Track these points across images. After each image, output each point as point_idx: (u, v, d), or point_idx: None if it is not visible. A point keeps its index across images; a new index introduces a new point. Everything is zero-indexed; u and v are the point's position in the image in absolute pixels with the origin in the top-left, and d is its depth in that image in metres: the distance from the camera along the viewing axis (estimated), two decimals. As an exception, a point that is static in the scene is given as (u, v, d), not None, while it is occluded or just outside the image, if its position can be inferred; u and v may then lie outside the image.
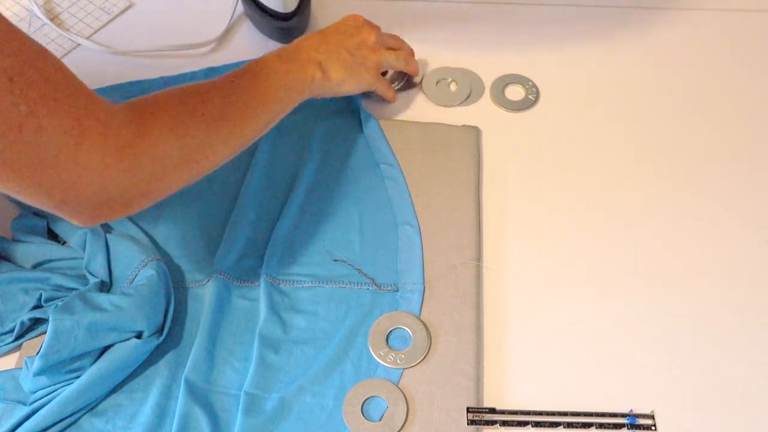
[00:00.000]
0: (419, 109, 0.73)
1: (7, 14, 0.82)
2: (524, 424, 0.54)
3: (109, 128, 0.44)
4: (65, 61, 0.77)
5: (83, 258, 0.58)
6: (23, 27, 0.80)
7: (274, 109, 0.58)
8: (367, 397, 0.55)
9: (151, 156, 0.47)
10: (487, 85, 0.75)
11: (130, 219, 0.63)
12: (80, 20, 0.81)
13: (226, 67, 0.76)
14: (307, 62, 0.61)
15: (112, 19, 0.80)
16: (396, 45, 0.71)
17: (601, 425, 0.54)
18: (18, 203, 0.66)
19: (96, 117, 0.43)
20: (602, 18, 0.81)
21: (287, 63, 0.60)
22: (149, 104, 0.49)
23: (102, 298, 0.54)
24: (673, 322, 0.59)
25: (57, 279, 0.57)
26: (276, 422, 0.54)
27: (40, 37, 0.79)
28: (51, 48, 0.78)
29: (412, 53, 0.72)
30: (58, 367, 0.53)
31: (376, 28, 0.68)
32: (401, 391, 0.55)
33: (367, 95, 0.72)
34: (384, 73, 0.72)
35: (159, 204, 0.65)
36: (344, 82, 0.64)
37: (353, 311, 0.59)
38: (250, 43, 0.79)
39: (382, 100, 0.72)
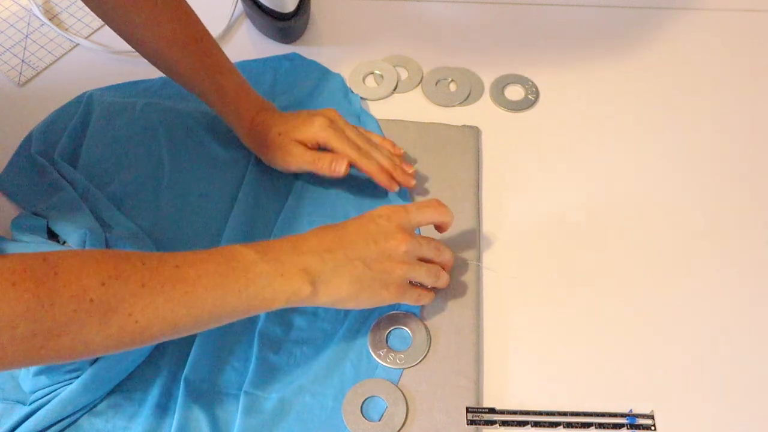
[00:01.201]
0: (419, 109, 0.73)
1: (6, 14, 0.82)
2: (524, 424, 0.54)
3: None
4: (64, 60, 0.78)
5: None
6: (22, 27, 0.80)
7: (213, 317, 0.46)
8: (366, 397, 0.55)
9: None
10: (487, 85, 0.75)
11: (130, 218, 0.63)
12: (79, 20, 0.81)
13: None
14: (297, 271, 0.48)
15: (111, 19, 0.80)
16: (431, 255, 0.55)
17: (600, 425, 0.54)
18: (18, 203, 0.66)
19: None
20: (602, 18, 0.81)
21: (269, 263, 0.47)
22: (30, 267, 0.40)
23: None
24: (672, 322, 0.59)
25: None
26: (276, 422, 0.54)
27: (38, 37, 0.79)
28: (50, 48, 0.78)
29: (449, 260, 0.57)
30: (58, 367, 0.53)
31: (411, 234, 0.53)
32: (401, 391, 0.55)
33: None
34: None
35: (158, 204, 0.65)
36: (347, 301, 0.51)
37: (353, 311, 0.59)
38: (250, 43, 0.79)
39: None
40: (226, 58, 0.64)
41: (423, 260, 0.54)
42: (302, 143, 0.63)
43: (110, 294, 0.41)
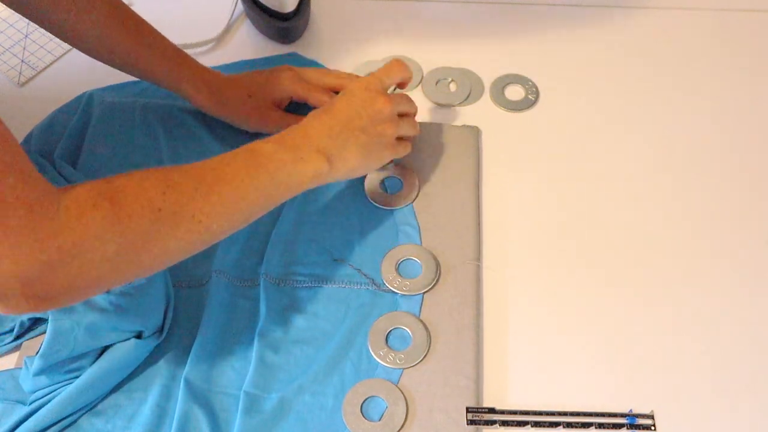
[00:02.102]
0: (419, 109, 0.73)
1: (5, 14, 0.82)
2: (524, 423, 0.54)
3: (34, 214, 0.39)
4: (64, 60, 0.78)
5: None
6: (22, 27, 0.80)
7: (258, 205, 0.51)
8: (366, 397, 0.55)
9: (78, 252, 0.40)
10: (487, 85, 0.75)
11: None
12: (79, 20, 0.81)
13: (226, 66, 0.76)
14: (313, 152, 0.53)
15: (111, 19, 0.80)
16: (407, 108, 0.62)
17: (600, 425, 0.54)
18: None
19: (22, 198, 0.39)
20: (602, 18, 0.81)
21: (289, 151, 0.53)
22: (99, 191, 0.43)
23: (101, 298, 0.54)
24: (673, 322, 0.59)
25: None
26: (276, 422, 0.54)
27: (38, 37, 0.79)
28: (50, 47, 0.78)
29: (416, 111, 0.64)
30: (58, 367, 0.53)
31: (389, 96, 0.59)
32: (401, 391, 0.55)
33: None
34: None
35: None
36: (358, 169, 0.57)
37: (353, 311, 0.59)
38: (250, 43, 0.79)
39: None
40: (161, 35, 0.64)
41: (401, 115, 0.60)
42: (276, 104, 0.65)
43: (172, 201, 0.45)
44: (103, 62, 0.65)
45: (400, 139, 0.61)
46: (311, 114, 0.57)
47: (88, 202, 0.42)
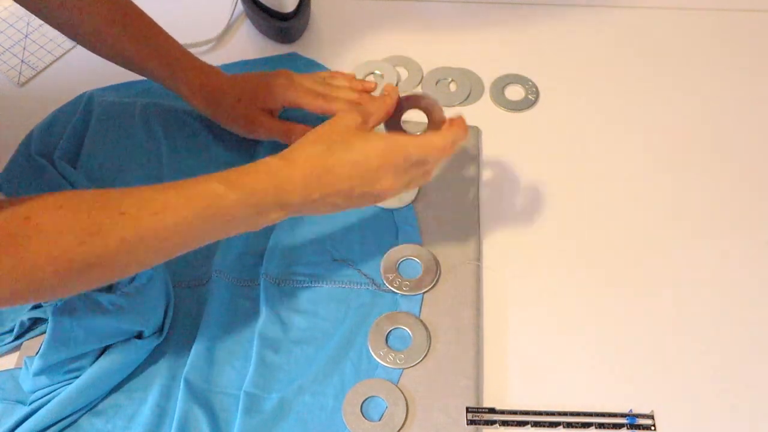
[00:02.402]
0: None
1: (5, 14, 0.82)
2: (524, 423, 0.54)
3: None
4: (64, 60, 0.78)
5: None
6: (21, 26, 0.80)
7: (190, 248, 0.47)
8: (366, 397, 0.55)
9: None
10: (487, 85, 0.75)
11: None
12: (79, 20, 0.81)
13: (226, 66, 0.76)
14: (276, 209, 0.49)
15: (111, 19, 0.80)
16: (419, 181, 0.54)
17: (600, 425, 0.54)
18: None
19: None
20: (602, 18, 0.81)
21: (251, 207, 0.47)
22: (9, 231, 0.40)
23: (102, 298, 0.54)
24: (673, 322, 0.59)
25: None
26: (276, 422, 0.54)
27: (38, 37, 0.79)
28: (50, 47, 0.78)
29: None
30: (58, 367, 0.53)
31: (403, 175, 0.51)
32: (401, 391, 0.55)
33: None
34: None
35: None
36: (324, 214, 0.52)
37: (353, 311, 0.59)
38: (250, 43, 0.79)
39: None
40: (164, 31, 0.63)
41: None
42: (267, 110, 0.63)
43: (90, 252, 0.41)
44: (103, 57, 0.64)
45: None
46: (303, 155, 0.49)
47: None
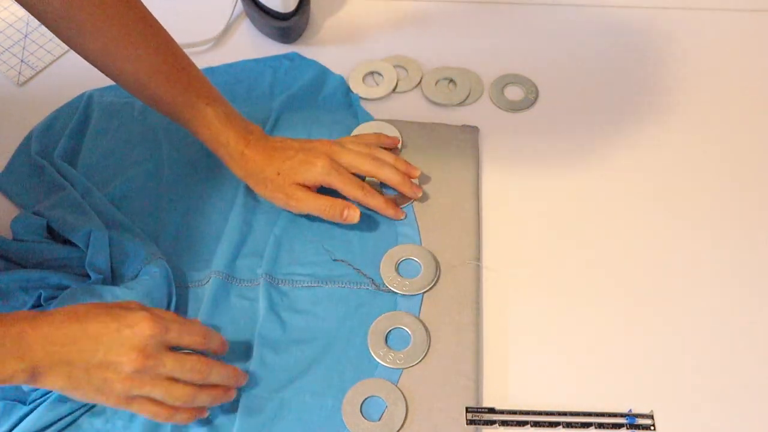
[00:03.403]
0: (418, 109, 0.73)
1: (5, 14, 0.82)
2: (523, 423, 0.54)
3: None
4: (64, 60, 0.78)
5: (83, 257, 0.58)
6: (21, 27, 0.80)
7: None
8: (366, 397, 0.55)
9: None
10: (487, 85, 0.75)
11: (130, 218, 0.63)
12: (79, 19, 0.81)
13: (226, 66, 0.76)
14: (14, 357, 0.45)
15: (111, 19, 0.80)
16: (179, 374, 0.50)
17: (600, 425, 0.54)
18: (18, 203, 0.66)
19: None
20: (602, 18, 0.81)
21: None
22: None
23: (104, 290, 0.54)
24: (672, 322, 0.59)
25: (57, 278, 0.57)
26: (275, 422, 0.54)
27: (37, 37, 0.79)
28: (49, 47, 0.78)
29: (216, 374, 0.52)
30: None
31: (151, 352, 0.48)
32: (400, 391, 0.55)
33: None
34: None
35: (158, 204, 0.65)
36: (64, 392, 0.48)
37: (353, 311, 0.59)
38: (250, 43, 0.79)
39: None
40: (210, 87, 0.62)
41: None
42: (304, 185, 0.61)
43: None
44: (138, 99, 0.61)
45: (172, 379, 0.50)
46: (58, 311, 0.48)
47: None
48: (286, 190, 0.61)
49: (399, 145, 0.69)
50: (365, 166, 0.62)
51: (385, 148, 0.66)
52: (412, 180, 0.65)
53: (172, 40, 0.60)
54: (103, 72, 0.59)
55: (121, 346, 0.47)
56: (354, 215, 0.61)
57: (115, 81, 0.60)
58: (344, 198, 0.62)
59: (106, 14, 0.55)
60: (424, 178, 0.67)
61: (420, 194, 0.64)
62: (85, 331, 0.47)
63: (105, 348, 0.47)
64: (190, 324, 0.52)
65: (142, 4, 0.58)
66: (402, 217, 0.64)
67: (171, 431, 0.53)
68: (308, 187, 0.61)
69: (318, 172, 0.60)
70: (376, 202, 0.63)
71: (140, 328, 0.48)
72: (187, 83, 0.60)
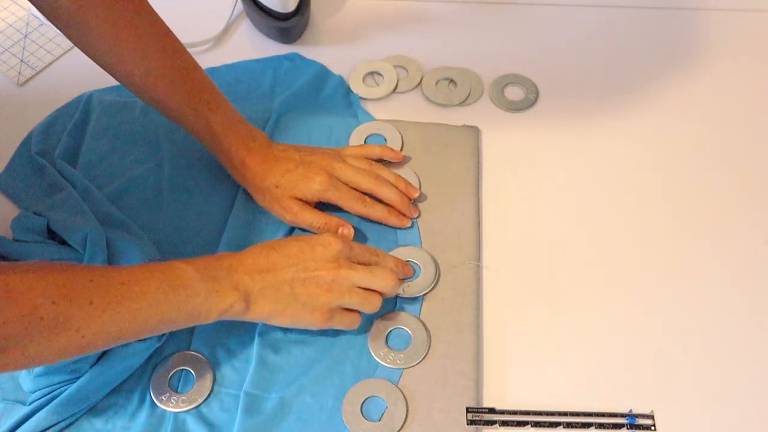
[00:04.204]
0: (419, 109, 0.73)
1: (5, 14, 0.82)
2: (524, 424, 0.54)
3: None
4: (64, 60, 0.78)
5: (83, 257, 0.58)
6: (21, 27, 0.80)
7: (155, 330, 0.49)
8: (366, 397, 0.55)
9: None
10: (487, 85, 0.75)
11: (130, 218, 0.63)
12: (79, 19, 0.81)
13: (226, 66, 0.76)
14: (231, 288, 0.51)
15: (111, 19, 0.80)
16: (366, 282, 0.55)
17: (600, 425, 0.54)
18: (18, 203, 0.66)
19: None
20: (602, 18, 0.81)
21: (207, 282, 0.50)
22: None
23: None
24: (672, 322, 0.59)
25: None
26: (276, 422, 0.54)
27: (38, 37, 0.79)
28: (49, 47, 0.78)
29: (388, 285, 0.56)
30: (58, 368, 0.53)
31: (344, 262, 0.54)
32: (401, 391, 0.55)
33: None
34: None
35: (158, 204, 0.65)
36: (272, 318, 0.53)
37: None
38: (250, 43, 0.79)
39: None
40: (216, 92, 0.62)
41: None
42: (302, 200, 0.61)
43: (59, 312, 0.43)
44: (140, 99, 0.62)
45: (348, 309, 0.55)
46: (257, 245, 0.55)
47: None
48: (283, 204, 0.61)
49: (400, 146, 0.69)
50: (364, 184, 0.62)
51: (386, 161, 0.66)
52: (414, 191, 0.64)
53: (180, 44, 0.60)
54: (108, 73, 0.60)
55: (318, 260, 0.53)
56: (349, 233, 0.61)
57: (120, 82, 0.60)
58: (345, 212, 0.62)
59: (113, 17, 0.56)
60: (425, 179, 0.67)
61: (416, 215, 0.64)
62: (284, 254, 0.53)
63: (304, 265, 0.53)
64: (367, 246, 0.58)
65: (150, 7, 0.58)
66: (407, 225, 0.63)
67: (171, 431, 0.53)
68: (306, 202, 0.62)
69: (316, 189, 0.60)
70: (378, 213, 0.62)
71: (330, 243, 0.54)
72: (191, 88, 0.60)
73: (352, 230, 0.61)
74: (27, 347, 0.43)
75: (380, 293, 0.56)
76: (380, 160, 0.66)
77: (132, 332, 0.48)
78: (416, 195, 0.64)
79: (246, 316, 0.52)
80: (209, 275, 0.51)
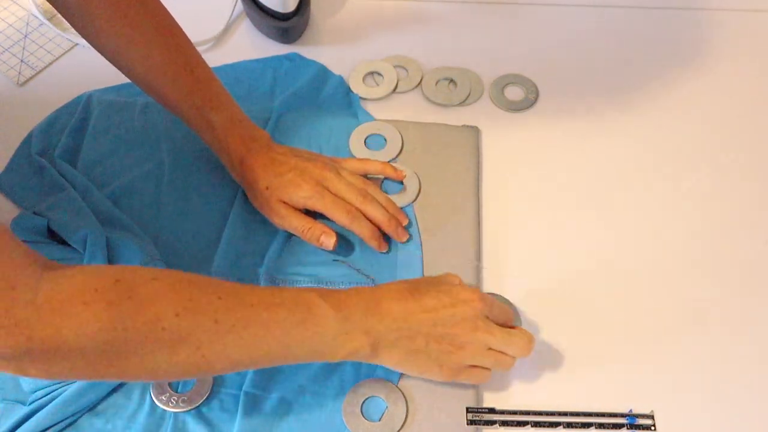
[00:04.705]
0: (419, 109, 0.73)
1: (5, 14, 0.82)
2: (524, 424, 0.54)
3: (15, 292, 0.38)
4: (64, 60, 0.78)
5: (83, 257, 0.58)
6: (21, 27, 0.80)
7: (275, 361, 0.48)
8: (366, 397, 0.55)
9: (54, 345, 0.39)
10: (487, 85, 0.75)
11: (131, 218, 0.63)
12: (79, 19, 0.81)
13: (227, 67, 0.76)
14: (362, 333, 0.49)
15: (111, 19, 0.80)
16: (501, 346, 0.52)
17: (600, 425, 0.54)
18: (18, 203, 0.66)
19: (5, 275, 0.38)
20: (602, 18, 0.81)
21: (339, 322, 0.48)
22: (99, 286, 0.41)
23: None
24: (672, 322, 0.59)
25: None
26: (276, 422, 0.54)
27: (37, 37, 0.79)
28: (49, 47, 0.78)
29: (520, 348, 0.53)
30: (59, 368, 0.53)
31: (482, 322, 0.51)
32: (401, 391, 0.55)
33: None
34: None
35: (158, 204, 0.65)
36: (399, 367, 0.52)
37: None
38: (250, 43, 0.79)
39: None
40: (220, 89, 0.62)
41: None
42: (289, 205, 0.61)
43: (183, 326, 0.42)
44: (143, 90, 0.62)
45: (475, 366, 0.53)
46: (394, 285, 0.52)
47: (78, 297, 0.39)
48: (272, 206, 0.61)
49: (400, 146, 0.69)
50: (351, 199, 0.61)
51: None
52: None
53: (186, 39, 0.60)
54: (112, 63, 0.60)
55: (458, 319, 0.51)
56: (329, 242, 0.60)
57: (126, 76, 0.61)
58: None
59: (120, 12, 0.56)
60: (425, 178, 0.67)
61: (405, 239, 0.62)
62: (423, 306, 0.50)
63: (442, 321, 0.50)
64: (503, 305, 0.55)
65: (159, 3, 0.59)
66: (384, 250, 0.62)
67: (171, 431, 0.53)
68: (294, 207, 0.61)
69: (301, 195, 0.60)
70: (362, 229, 0.61)
71: (472, 302, 0.51)
72: (194, 85, 0.60)
73: (335, 237, 0.60)
74: (145, 357, 0.41)
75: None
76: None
77: (251, 359, 0.46)
78: (406, 222, 0.63)
79: (371, 360, 0.51)
80: (343, 315, 0.48)
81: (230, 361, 0.45)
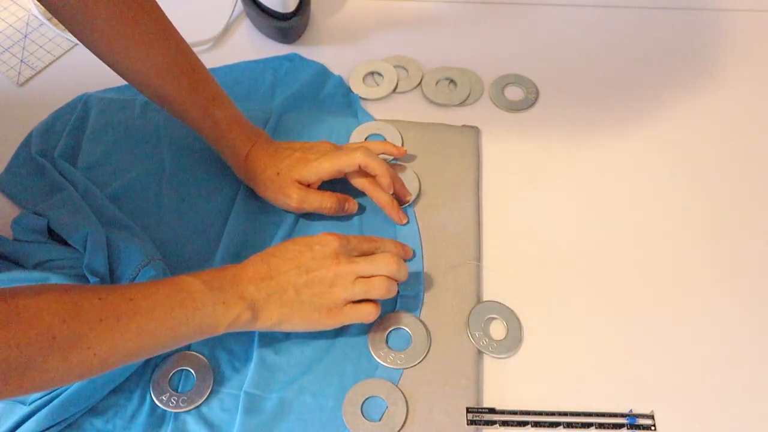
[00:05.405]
0: (419, 109, 0.73)
1: (5, 14, 0.82)
2: (524, 424, 0.54)
3: None
4: (63, 60, 0.78)
5: (84, 257, 0.58)
6: (21, 27, 0.80)
7: (166, 345, 0.49)
8: (366, 397, 0.55)
9: None
10: (487, 85, 0.75)
11: (131, 218, 0.63)
12: (79, 19, 0.81)
13: (227, 67, 0.76)
14: (237, 298, 0.51)
15: (111, 19, 0.80)
16: (371, 270, 0.54)
17: (600, 425, 0.54)
18: (18, 203, 0.66)
19: None
20: (602, 18, 0.81)
21: (213, 292, 0.50)
22: (6, 306, 0.42)
23: None
24: (672, 322, 0.59)
25: (57, 279, 0.57)
26: (276, 422, 0.54)
27: (37, 37, 0.79)
28: (49, 47, 0.78)
29: (394, 270, 0.55)
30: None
31: (343, 257, 0.54)
32: (401, 391, 0.55)
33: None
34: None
35: (158, 203, 0.65)
36: (281, 324, 0.53)
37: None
38: (250, 43, 0.79)
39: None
40: (219, 89, 0.62)
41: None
42: (302, 183, 0.61)
43: (71, 330, 0.43)
44: (144, 95, 0.62)
45: (364, 301, 0.55)
46: (257, 255, 0.55)
47: None
48: (285, 190, 0.61)
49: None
50: (372, 162, 0.61)
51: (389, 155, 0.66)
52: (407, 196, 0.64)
53: (183, 41, 0.61)
54: (113, 69, 0.60)
55: (318, 260, 0.54)
56: (354, 206, 0.63)
57: (124, 79, 0.61)
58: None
59: (119, 13, 0.56)
60: (425, 178, 0.67)
61: (405, 222, 0.64)
62: (284, 259, 0.54)
63: (305, 267, 0.53)
64: (364, 236, 0.58)
65: (154, 3, 0.59)
66: (405, 222, 0.63)
67: (171, 431, 0.53)
68: (309, 186, 0.62)
69: (313, 164, 0.61)
70: (382, 196, 0.62)
71: (328, 241, 0.55)
72: (196, 85, 0.61)
73: (356, 204, 0.62)
74: (43, 368, 0.43)
75: (386, 277, 0.55)
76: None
77: (144, 348, 0.48)
78: (410, 199, 0.64)
79: (255, 326, 0.52)
80: (214, 286, 0.51)
81: (122, 354, 0.46)
